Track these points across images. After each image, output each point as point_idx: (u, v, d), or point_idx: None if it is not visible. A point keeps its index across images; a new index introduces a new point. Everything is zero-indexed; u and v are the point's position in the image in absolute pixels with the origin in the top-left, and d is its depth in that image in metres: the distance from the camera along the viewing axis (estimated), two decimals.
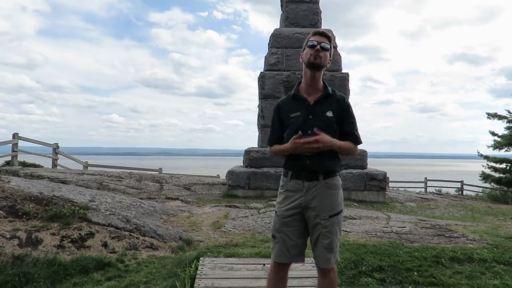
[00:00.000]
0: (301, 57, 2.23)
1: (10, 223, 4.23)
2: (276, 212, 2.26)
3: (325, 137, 2.06)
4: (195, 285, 3.14)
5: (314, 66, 2.15)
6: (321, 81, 2.24)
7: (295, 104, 2.22)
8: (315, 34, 2.20)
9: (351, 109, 2.24)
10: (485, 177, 18.99)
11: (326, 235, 2.13)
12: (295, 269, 3.41)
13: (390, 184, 15.78)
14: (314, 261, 2.27)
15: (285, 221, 2.19)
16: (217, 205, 7.62)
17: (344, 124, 2.20)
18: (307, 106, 2.18)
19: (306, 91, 2.22)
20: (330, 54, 2.19)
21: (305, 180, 2.15)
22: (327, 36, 2.19)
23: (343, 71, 10.90)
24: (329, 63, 2.22)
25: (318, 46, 2.13)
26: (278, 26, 12.18)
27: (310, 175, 2.14)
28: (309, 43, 2.17)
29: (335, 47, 10.99)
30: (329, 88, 2.22)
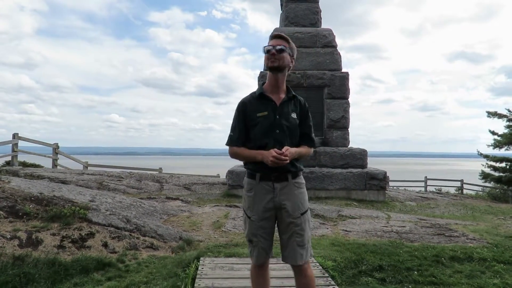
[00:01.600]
0: (264, 62, 2.29)
1: (10, 224, 4.24)
2: (248, 216, 2.25)
3: (292, 150, 2.12)
4: (196, 285, 3.14)
5: (273, 69, 2.22)
6: (285, 84, 2.31)
7: (261, 103, 2.26)
8: (272, 38, 2.27)
9: (309, 112, 2.34)
10: (485, 176, 18.97)
11: (299, 232, 2.19)
12: None
13: (390, 183, 15.78)
14: (284, 261, 2.27)
15: (260, 224, 2.22)
16: (217, 205, 7.62)
17: (304, 127, 2.29)
18: (273, 106, 2.23)
19: (271, 92, 2.28)
20: (289, 54, 2.25)
21: (275, 181, 2.19)
22: (283, 37, 2.25)
23: (343, 70, 10.89)
24: (291, 62, 2.28)
25: (273, 50, 2.20)
26: (276, 25, 12.19)
27: (280, 176, 2.19)
28: (266, 49, 2.24)
29: (335, 46, 10.99)
30: (292, 92, 2.31)
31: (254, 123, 2.22)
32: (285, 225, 2.21)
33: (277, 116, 2.21)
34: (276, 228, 2.30)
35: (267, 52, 2.22)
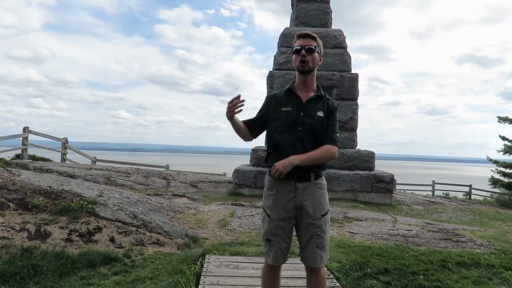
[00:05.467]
0: (292, 62, 2.27)
1: (20, 216, 4.30)
2: (268, 215, 2.21)
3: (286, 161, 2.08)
4: (201, 282, 3.16)
5: (304, 72, 2.21)
6: (315, 83, 2.29)
7: (287, 99, 2.25)
8: (299, 37, 2.22)
9: (336, 112, 2.28)
10: (494, 182, 18.72)
11: (319, 234, 2.16)
12: (301, 269, 3.41)
13: (397, 187, 15.65)
14: (303, 262, 2.26)
15: (280, 224, 2.19)
16: (223, 203, 7.64)
17: (327, 125, 2.22)
18: (299, 103, 2.22)
19: (300, 90, 2.26)
20: (318, 52, 2.21)
21: (297, 181, 2.17)
22: (312, 36, 2.21)
23: (352, 71, 10.84)
24: (320, 60, 2.24)
25: (303, 51, 2.16)
26: (283, 24, 12.16)
27: (303, 175, 2.16)
28: (295, 49, 2.20)
29: (345, 47, 10.94)
30: (322, 91, 2.27)
31: (277, 117, 2.22)
32: (305, 226, 2.18)
33: (301, 114, 2.18)
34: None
35: (296, 52, 2.18)
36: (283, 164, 2.08)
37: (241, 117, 2.28)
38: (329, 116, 2.23)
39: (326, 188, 2.28)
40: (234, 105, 2.11)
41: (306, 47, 2.16)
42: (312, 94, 2.24)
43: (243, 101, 2.12)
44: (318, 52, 2.20)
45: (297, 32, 2.29)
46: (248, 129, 2.31)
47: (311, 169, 2.16)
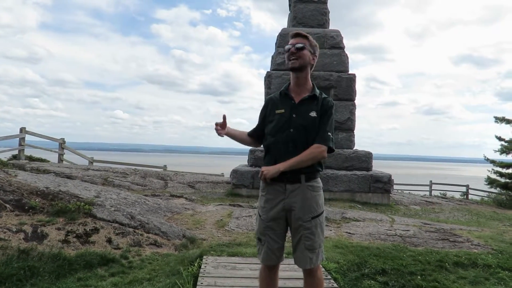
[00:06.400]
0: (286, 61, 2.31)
1: (16, 217, 4.28)
2: (260, 215, 2.26)
3: (273, 169, 2.12)
4: (198, 283, 3.15)
5: (293, 69, 2.22)
6: (310, 83, 2.29)
7: (282, 101, 2.27)
8: (291, 37, 2.27)
9: (331, 110, 2.23)
10: (491, 181, 18.80)
11: (308, 236, 2.16)
12: (299, 270, 3.41)
13: (395, 187, 15.67)
14: (295, 263, 2.27)
15: (269, 225, 2.21)
16: (221, 204, 7.63)
17: (319, 123, 2.20)
18: (292, 104, 2.23)
19: (294, 91, 2.27)
20: (310, 51, 2.21)
21: (287, 182, 2.17)
22: (302, 35, 2.23)
23: (349, 72, 10.86)
24: (313, 59, 2.24)
25: (293, 48, 2.19)
26: (281, 24, 12.17)
27: (293, 177, 2.15)
28: (286, 48, 2.24)
29: (343, 48, 10.96)
30: (317, 91, 2.27)
31: (271, 120, 2.25)
32: (294, 228, 2.19)
33: (293, 115, 2.19)
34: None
35: (287, 51, 2.22)
36: (268, 170, 2.11)
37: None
38: (322, 114, 2.20)
39: (321, 190, 2.26)
40: (220, 126, 2.26)
41: (296, 45, 2.19)
42: (306, 94, 2.24)
43: (224, 118, 2.28)
44: (310, 51, 2.21)
45: (290, 33, 2.32)
46: (252, 138, 2.39)
47: (300, 171, 2.15)
